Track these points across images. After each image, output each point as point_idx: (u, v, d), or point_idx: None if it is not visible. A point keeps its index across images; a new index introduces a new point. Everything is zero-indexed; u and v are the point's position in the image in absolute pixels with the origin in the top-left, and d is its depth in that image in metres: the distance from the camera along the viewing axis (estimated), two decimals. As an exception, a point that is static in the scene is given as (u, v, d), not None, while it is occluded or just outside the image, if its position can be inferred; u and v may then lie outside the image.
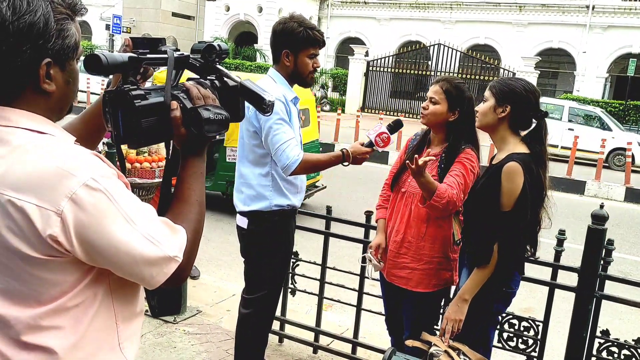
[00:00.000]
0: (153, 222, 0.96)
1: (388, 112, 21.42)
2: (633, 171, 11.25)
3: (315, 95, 22.56)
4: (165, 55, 1.08)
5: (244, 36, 28.65)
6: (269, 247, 2.52)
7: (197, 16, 24.89)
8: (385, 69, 23.22)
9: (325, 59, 28.53)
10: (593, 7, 23.46)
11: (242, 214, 2.51)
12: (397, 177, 2.53)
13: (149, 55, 1.07)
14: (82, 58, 1.02)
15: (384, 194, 2.65)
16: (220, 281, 4.38)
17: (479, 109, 2.21)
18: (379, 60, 23.47)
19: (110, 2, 30.24)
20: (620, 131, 14.82)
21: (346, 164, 2.39)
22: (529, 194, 2.04)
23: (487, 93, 2.20)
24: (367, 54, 24.26)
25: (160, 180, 3.37)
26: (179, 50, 1.13)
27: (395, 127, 2.41)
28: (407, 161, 2.22)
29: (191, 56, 1.14)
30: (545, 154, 2.16)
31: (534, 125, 2.19)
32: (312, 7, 28.70)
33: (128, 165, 3.78)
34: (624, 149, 12.12)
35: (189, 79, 1.12)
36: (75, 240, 0.89)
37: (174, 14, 23.48)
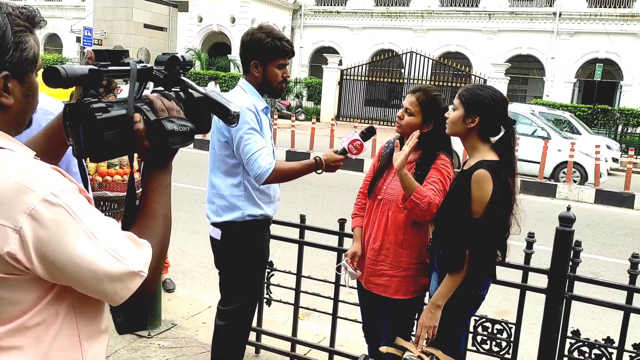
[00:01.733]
0: (116, 237, 0.94)
1: (363, 120, 21.54)
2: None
3: (290, 104, 22.63)
4: (128, 68, 1.07)
5: (218, 47, 28.57)
6: (243, 258, 2.50)
7: (169, 27, 24.74)
8: (359, 78, 23.38)
9: (300, 68, 28.61)
10: (560, 14, 24.03)
11: (215, 225, 2.49)
12: (372, 184, 2.53)
13: (110, 68, 1.05)
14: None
15: (359, 202, 2.66)
16: (196, 293, 4.33)
17: (449, 117, 2.23)
18: (352, 69, 23.63)
19: (80, 14, 29.90)
20: (589, 134, 15.15)
21: (320, 171, 2.39)
22: (498, 201, 2.07)
23: (456, 102, 2.22)
24: (340, 63, 24.41)
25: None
26: (142, 62, 1.12)
27: (368, 134, 2.43)
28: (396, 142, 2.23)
29: (155, 68, 1.13)
30: (514, 161, 2.19)
31: (502, 132, 2.22)
32: (285, 17, 28.80)
33: (99, 179, 3.73)
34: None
35: (153, 91, 1.11)
36: (35, 257, 0.87)
37: (146, 26, 23.30)
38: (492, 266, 2.22)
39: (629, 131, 19.94)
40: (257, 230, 2.50)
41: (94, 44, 22.46)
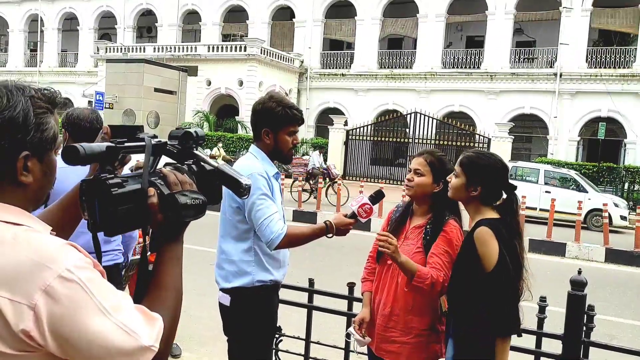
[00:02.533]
0: (128, 312, 0.95)
1: (369, 180, 21.68)
2: (611, 231, 11.40)
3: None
4: (143, 143, 1.11)
5: (226, 109, 29.22)
6: (252, 325, 2.48)
7: (179, 91, 25.43)
8: (365, 138, 23.72)
9: (306, 129, 29.09)
10: (560, 75, 24.54)
11: (225, 291, 2.48)
12: None
13: (126, 144, 1.09)
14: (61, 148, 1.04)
15: (368, 266, 2.65)
16: (202, 358, 4.25)
17: (451, 183, 2.27)
18: (358, 129, 24.00)
19: (93, 79, 30.85)
20: (596, 192, 15.14)
21: (330, 235, 2.41)
22: (506, 253, 2.06)
23: (457, 169, 2.26)
24: (346, 123, 24.83)
25: (139, 256, 3.34)
26: (156, 137, 1.16)
27: (377, 197, 2.46)
28: (381, 247, 2.26)
29: (169, 143, 1.17)
30: (518, 225, 2.20)
31: (504, 196, 2.25)
32: (292, 80, 29.56)
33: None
34: (601, 210, 12.34)
35: (166, 164, 1.15)
36: (49, 334, 0.88)
37: (156, 90, 23.96)
38: (515, 321, 2.16)
39: (635, 189, 19.92)
40: (266, 296, 2.48)
41: (105, 107, 23.03)
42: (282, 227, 2.34)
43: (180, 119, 25.71)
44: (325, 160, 18.54)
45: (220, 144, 21.89)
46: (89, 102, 24.78)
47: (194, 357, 4.26)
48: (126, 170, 1.19)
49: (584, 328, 2.36)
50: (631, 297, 7.49)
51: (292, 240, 2.38)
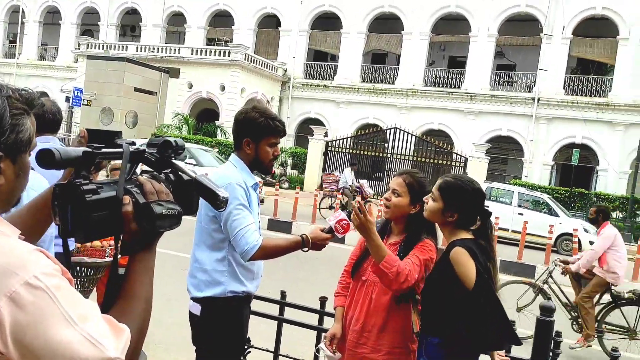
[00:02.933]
0: (95, 322, 0.92)
1: (346, 192, 21.72)
2: (580, 256, 11.56)
3: (274, 172, 22.81)
4: (121, 150, 1.08)
5: (206, 113, 29.06)
6: (222, 335, 2.44)
7: (159, 92, 25.22)
8: (344, 150, 23.80)
9: (286, 138, 28.98)
10: (538, 100, 25.03)
11: (196, 300, 2.45)
12: (357, 265, 2.52)
13: (103, 150, 1.07)
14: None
15: (342, 280, 2.63)
16: (167, 367, 4.17)
17: (427, 206, 2.28)
18: (337, 141, 24.08)
19: (72, 75, 30.39)
20: (567, 217, 15.42)
21: (306, 249, 2.40)
22: (482, 270, 2.08)
23: (436, 193, 2.27)
24: (326, 135, 24.89)
25: (110, 259, 3.27)
26: (135, 144, 1.13)
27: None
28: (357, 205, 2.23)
29: (147, 150, 1.14)
30: (492, 249, 2.22)
31: (479, 222, 2.27)
32: (274, 88, 29.57)
33: (77, 244, 3.67)
34: (571, 235, 12.57)
35: (142, 172, 1.12)
36: (11, 342, 0.85)
37: (137, 89, 23.72)
38: (512, 332, 2.16)
39: (605, 215, 20.29)
40: (238, 307, 2.45)
41: (83, 104, 22.69)
42: (258, 238, 2.32)
43: (160, 121, 25.48)
44: (328, 170, 17.71)
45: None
46: (67, 97, 24.39)
47: (159, 364, 4.18)
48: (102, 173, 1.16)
49: (551, 354, 2.39)
50: (596, 323, 7.59)
51: (266, 253, 2.36)
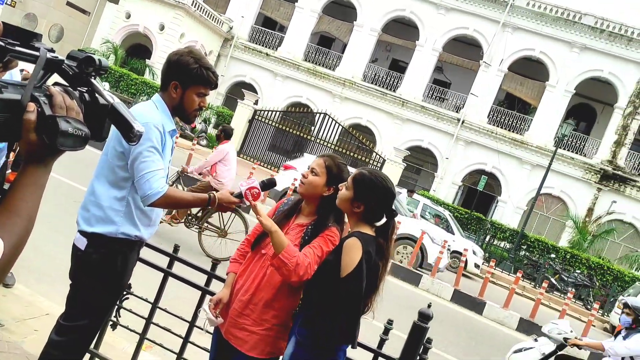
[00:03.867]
0: None
1: (263, 165, 21.64)
2: (463, 275, 12.32)
3: (195, 127, 22.21)
4: (37, 53, 0.98)
5: (137, 48, 27.69)
6: (103, 276, 2.34)
7: (93, 13, 23.71)
8: (270, 122, 23.63)
9: (215, 95, 28.39)
10: (462, 122, 26.12)
11: (83, 234, 2.32)
12: (260, 237, 2.50)
13: (18, 48, 0.96)
14: None
15: (242, 248, 2.59)
16: (36, 296, 3.96)
17: (339, 193, 2.32)
18: (266, 112, 23.86)
19: (0, -32, 27.79)
20: (461, 236, 16.29)
21: (210, 207, 2.35)
22: (364, 266, 2.14)
23: (349, 182, 2.31)
24: (256, 102, 24.57)
25: None
26: (53, 52, 1.04)
27: (267, 185, 2.43)
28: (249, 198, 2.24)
29: (66, 62, 1.05)
30: (387, 250, 2.29)
31: (384, 220, 2.33)
32: (215, 42, 28.70)
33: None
34: (460, 254, 13.29)
35: (54, 84, 1.03)
36: None
37: (69, 4, 22.15)
38: (352, 332, 2.23)
39: (494, 243, 21.70)
40: (125, 251, 2.36)
41: (6, 3, 20.83)
42: (163, 186, 2.24)
43: (87, 43, 23.99)
44: None
45: (106, 84, 20.59)
46: (-11, -9, 22.30)
47: (27, 292, 3.95)
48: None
49: (418, 357, 2.51)
50: (464, 339, 8.13)
51: (169, 202, 2.29)
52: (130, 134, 1.05)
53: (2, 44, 0.93)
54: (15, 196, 0.96)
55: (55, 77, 1.04)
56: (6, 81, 0.93)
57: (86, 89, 1.04)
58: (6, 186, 1.02)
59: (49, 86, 0.99)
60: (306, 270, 2.20)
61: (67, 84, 1.04)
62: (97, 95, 1.04)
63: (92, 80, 1.05)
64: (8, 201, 0.96)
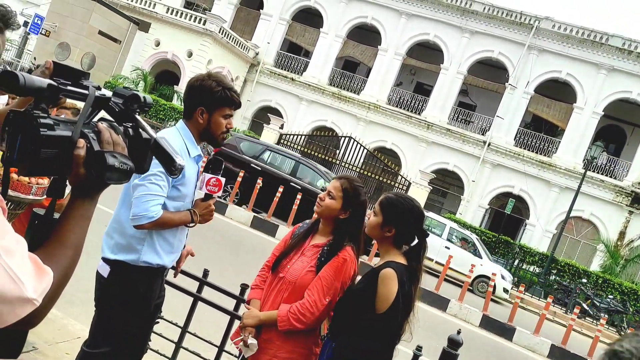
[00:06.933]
0: (20, 258, 0.88)
1: (287, 187, 21.69)
2: (492, 300, 12.07)
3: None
4: (86, 92, 1.04)
5: (166, 74, 28.32)
6: (125, 304, 2.34)
7: (124, 41, 24.39)
8: (295, 146, 23.78)
9: (242, 120, 28.76)
10: (489, 144, 25.91)
11: (106, 261, 2.34)
12: (278, 260, 2.51)
13: (69, 87, 1.02)
14: None
15: (262, 274, 2.61)
16: (67, 319, 4.03)
17: (368, 221, 2.33)
18: (291, 136, 24.04)
19: (36, 0, 28.90)
20: (489, 260, 16.02)
21: (192, 225, 2.39)
22: (401, 300, 2.14)
23: (377, 208, 2.33)
24: (282, 127, 24.80)
25: (35, 197, 3.13)
26: (100, 89, 1.10)
27: (215, 167, 2.45)
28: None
29: (113, 99, 1.11)
30: (419, 271, 2.29)
31: (416, 241, 2.33)
32: (241, 68, 29.19)
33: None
34: (489, 278, 13.07)
35: (100, 119, 1.08)
36: None
37: (101, 33, 22.84)
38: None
39: (523, 267, 21.27)
40: (147, 279, 2.37)
41: (41, 33, 21.62)
42: (158, 212, 2.24)
43: (117, 70, 24.64)
44: None
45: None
46: (25, 22, 23.17)
47: (59, 315, 4.02)
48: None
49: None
50: (492, 365, 7.94)
51: (156, 225, 2.28)
52: (172, 167, 1.10)
53: (56, 84, 0.99)
54: (64, 227, 1.01)
55: (102, 112, 1.10)
56: (57, 118, 0.99)
57: (131, 124, 1.10)
58: (40, 211, 1.07)
59: (97, 123, 1.05)
60: (313, 311, 2.26)
61: (112, 119, 1.09)
62: (140, 130, 1.10)
63: (137, 116, 1.10)
64: (58, 233, 1.00)
